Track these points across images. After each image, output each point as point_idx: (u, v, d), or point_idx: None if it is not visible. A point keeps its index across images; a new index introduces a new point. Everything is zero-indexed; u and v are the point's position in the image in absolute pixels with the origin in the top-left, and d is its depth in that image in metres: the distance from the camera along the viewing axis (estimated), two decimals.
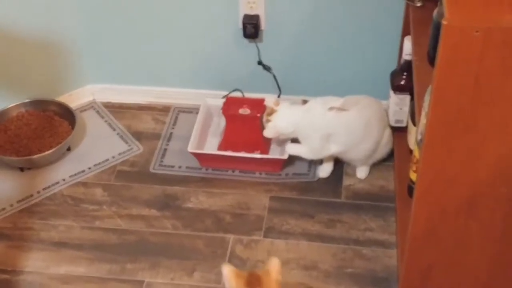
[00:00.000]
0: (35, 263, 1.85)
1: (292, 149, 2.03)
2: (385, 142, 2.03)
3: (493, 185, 1.36)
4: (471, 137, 1.29)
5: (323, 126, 1.94)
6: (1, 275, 1.83)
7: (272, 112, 1.98)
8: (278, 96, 2.23)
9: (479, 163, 1.33)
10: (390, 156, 2.10)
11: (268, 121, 1.99)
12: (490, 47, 1.16)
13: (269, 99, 2.11)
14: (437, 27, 1.32)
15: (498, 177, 1.35)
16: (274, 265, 1.49)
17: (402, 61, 1.93)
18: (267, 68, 2.22)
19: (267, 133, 2.00)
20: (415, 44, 1.71)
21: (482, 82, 1.21)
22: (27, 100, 2.23)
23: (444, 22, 1.16)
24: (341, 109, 1.92)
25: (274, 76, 2.23)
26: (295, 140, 2.04)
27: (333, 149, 1.97)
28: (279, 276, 1.48)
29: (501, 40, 1.15)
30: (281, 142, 2.08)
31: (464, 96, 1.23)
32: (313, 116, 1.94)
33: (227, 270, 1.47)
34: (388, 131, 2.03)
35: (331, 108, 1.92)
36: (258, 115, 2.06)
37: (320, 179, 2.07)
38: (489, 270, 1.53)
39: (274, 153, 2.11)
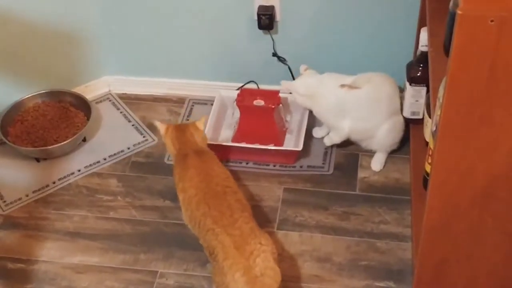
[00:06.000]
0: (50, 253, 1.87)
1: (319, 132, 2.14)
2: (399, 129, 2.02)
3: (509, 178, 1.34)
4: (487, 129, 1.27)
5: (332, 102, 1.96)
6: (17, 264, 1.85)
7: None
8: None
9: (495, 155, 1.31)
10: (406, 148, 2.09)
11: None
12: (505, 36, 1.14)
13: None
14: (453, 17, 1.30)
15: None
16: (203, 119, 1.91)
17: (418, 53, 1.91)
18: (282, 60, 2.21)
19: (283, 83, 2.05)
20: (431, 35, 1.69)
21: (497, 72, 1.19)
22: (43, 91, 2.24)
23: (458, 11, 1.14)
24: (351, 87, 1.93)
25: (289, 68, 2.22)
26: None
27: (346, 124, 1.98)
28: (202, 126, 1.89)
29: None
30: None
31: (479, 86, 1.21)
32: (324, 91, 1.97)
33: (158, 123, 1.90)
34: (399, 118, 2.01)
35: (342, 86, 1.94)
36: (272, 106, 2.05)
37: (334, 172, 2.06)
38: (505, 264, 1.51)
39: (288, 145, 2.10)
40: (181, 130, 1.89)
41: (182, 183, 1.77)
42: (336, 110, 1.97)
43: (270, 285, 1.54)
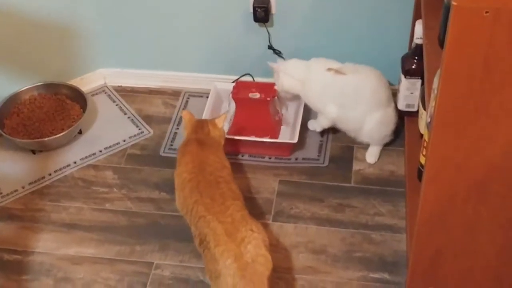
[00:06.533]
0: (46, 244, 1.88)
1: (314, 125, 2.13)
2: (387, 122, 2.02)
3: (503, 170, 1.35)
4: (481, 120, 1.28)
5: (319, 84, 1.99)
6: (13, 255, 1.85)
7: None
8: None
9: (489, 147, 1.32)
10: (400, 141, 2.09)
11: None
12: (500, 28, 1.14)
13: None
14: (448, 9, 1.31)
15: (509, 161, 1.33)
16: (223, 116, 1.91)
17: (413, 45, 1.92)
18: (277, 53, 2.21)
19: (271, 64, 2.05)
20: (426, 27, 1.70)
21: (491, 63, 1.19)
22: (39, 83, 2.24)
23: (453, 2, 1.15)
24: (338, 72, 1.95)
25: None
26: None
27: (334, 108, 2.00)
28: (221, 124, 1.90)
29: (511, 21, 1.14)
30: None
31: (473, 78, 1.22)
32: (311, 75, 2.00)
33: (184, 113, 1.91)
34: (387, 112, 2.02)
35: (329, 69, 1.96)
36: (268, 99, 2.05)
37: (329, 164, 2.07)
38: (499, 256, 1.51)
39: (283, 137, 2.11)
40: (200, 124, 1.90)
41: (179, 167, 1.79)
42: (322, 92, 2.00)
43: (261, 272, 1.54)
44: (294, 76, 2.02)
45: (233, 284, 1.52)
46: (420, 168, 1.75)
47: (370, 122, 2.00)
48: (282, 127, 2.15)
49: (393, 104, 2.04)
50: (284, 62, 2.07)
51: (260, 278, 1.54)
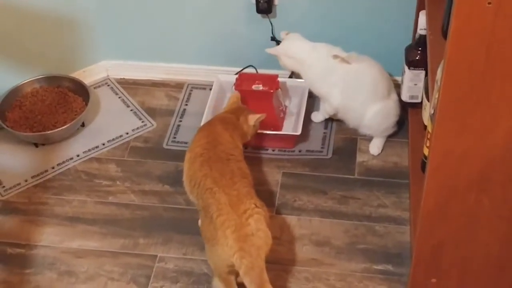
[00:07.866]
0: (49, 238, 1.88)
1: (318, 117, 2.13)
2: (387, 114, 2.02)
3: (505, 160, 1.35)
4: (484, 111, 1.27)
5: (324, 70, 1.98)
6: (16, 249, 1.85)
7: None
8: (290, 76, 2.22)
9: (492, 138, 1.31)
10: (404, 132, 2.09)
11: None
12: (502, 19, 1.14)
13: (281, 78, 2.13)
14: (451, 0, 1.30)
15: (511, 152, 1.33)
16: (258, 116, 1.89)
17: (417, 36, 1.91)
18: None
19: (270, 49, 2.05)
20: (430, 18, 1.69)
21: (494, 54, 1.19)
22: (41, 76, 2.24)
23: None
24: (345, 60, 1.95)
25: None
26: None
27: (338, 93, 1.99)
28: (252, 122, 1.89)
29: None
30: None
31: (476, 69, 1.21)
32: (317, 59, 1.99)
33: (235, 93, 2.00)
34: (388, 104, 2.01)
35: (335, 56, 1.96)
36: (271, 91, 2.05)
37: (333, 156, 2.06)
38: (501, 247, 1.51)
39: (287, 129, 2.10)
40: (237, 109, 1.93)
41: (193, 144, 1.80)
42: (325, 78, 1.99)
43: (259, 246, 1.54)
44: (291, 56, 2.01)
45: (229, 254, 1.52)
46: (424, 159, 1.74)
47: (370, 114, 1.99)
48: (285, 119, 2.14)
49: (394, 97, 2.03)
50: (284, 42, 2.04)
51: (258, 252, 1.53)
